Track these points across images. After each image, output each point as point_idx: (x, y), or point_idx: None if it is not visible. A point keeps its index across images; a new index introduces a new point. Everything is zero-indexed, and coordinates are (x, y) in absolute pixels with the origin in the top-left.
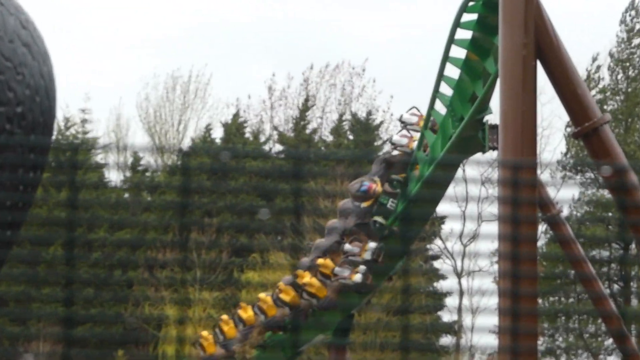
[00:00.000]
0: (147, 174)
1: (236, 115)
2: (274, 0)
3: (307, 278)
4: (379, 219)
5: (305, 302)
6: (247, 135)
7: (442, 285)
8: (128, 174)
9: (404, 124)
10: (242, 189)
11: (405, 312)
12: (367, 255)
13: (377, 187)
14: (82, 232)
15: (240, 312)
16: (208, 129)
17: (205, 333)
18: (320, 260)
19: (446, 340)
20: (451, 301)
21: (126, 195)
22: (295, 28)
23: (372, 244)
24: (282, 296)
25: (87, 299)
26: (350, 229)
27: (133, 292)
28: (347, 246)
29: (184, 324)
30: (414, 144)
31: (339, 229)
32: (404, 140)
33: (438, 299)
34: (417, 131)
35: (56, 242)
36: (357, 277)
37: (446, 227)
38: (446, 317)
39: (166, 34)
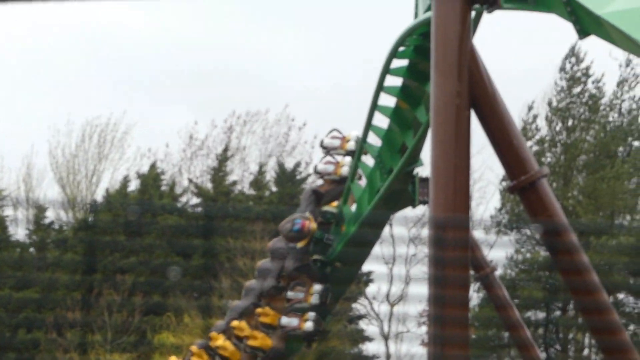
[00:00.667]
0: (55, 228)
1: (153, 166)
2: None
3: (220, 341)
4: (318, 257)
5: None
6: (164, 187)
7: (367, 348)
8: (32, 228)
9: (327, 150)
10: (155, 245)
11: None
12: (314, 300)
13: (311, 223)
14: None
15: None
16: (125, 180)
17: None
18: (235, 323)
19: None
20: None
21: (32, 250)
22: (220, 76)
23: (317, 287)
24: (222, 352)
25: None
26: (290, 273)
27: (39, 355)
28: (290, 293)
29: None
30: (342, 170)
31: (256, 290)
32: (330, 167)
33: None
34: (341, 154)
35: None
36: (308, 326)
37: (373, 287)
38: None
39: (83, 77)
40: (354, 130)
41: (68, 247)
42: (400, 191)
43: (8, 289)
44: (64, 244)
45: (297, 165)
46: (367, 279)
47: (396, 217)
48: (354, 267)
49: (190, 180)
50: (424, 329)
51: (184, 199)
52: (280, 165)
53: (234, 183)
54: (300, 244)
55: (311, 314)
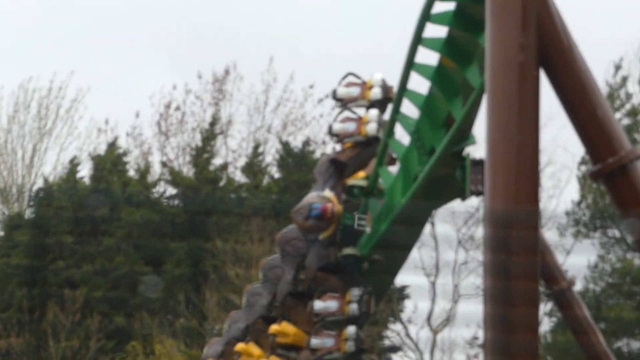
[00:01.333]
0: None
1: (113, 145)
2: None
3: None
4: (349, 250)
5: None
6: (131, 172)
7: None
8: None
9: (343, 102)
10: (117, 249)
11: None
12: (352, 310)
13: (335, 205)
14: None
15: None
16: (73, 163)
17: None
18: (240, 346)
19: None
20: None
21: None
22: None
23: (355, 291)
24: None
25: None
26: (314, 275)
27: None
28: (317, 304)
29: None
30: (368, 127)
31: (264, 297)
32: (350, 126)
33: None
34: (364, 106)
35: None
36: (349, 346)
37: (409, 306)
38: None
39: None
40: (377, 73)
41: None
42: (446, 178)
43: None
44: None
45: (306, 143)
46: (401, 295)
47: (440, 213)
48: (396, 262)
49: (165, 164)
50: None
51: (157, 189)
52: (285, 145)
53: (223, 167)
54: (323, 235)
55: (351, 330)
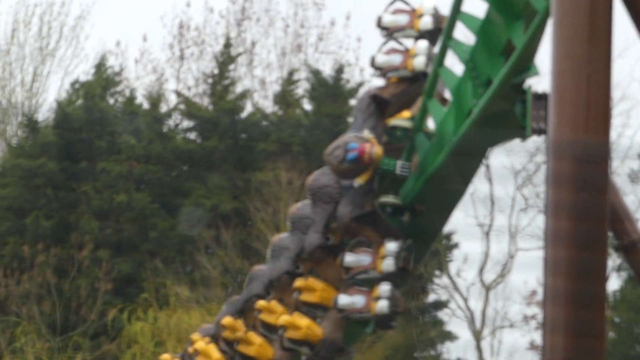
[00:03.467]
0: None
1: (118, 72)
2: None
3: (200, 344)
4: (388, 199)
5: None
6: (140, 100)
7: (449, 349)
8: None
9: (389, 31)
10: (118, 185)
11: None
12: (387, 266)
13: (374, 146)
14: None
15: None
16: (75, 88)
17: (166, 357)
18: (261, 304)
19: None
20: None
21: None
22: None
23: (391, 245)
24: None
25: None
26: (346, 225)
27: None
28: (348, 257)
29: None
30: (415, 61)
31: (291, 250)
32: (397, 59)
33: None
34: (412, 37)
35: None
36: (381, 307)
37: (458, 255)
38: None
39: None
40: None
41: None
42: (504, 114)
43: None
44: None
45: (340, 71)
46: (449, 243)
47: (496, 152)
48: (443, 212)
49: (179, 94)
50: (535, 321)
51: (170, 122)
52: (316, 73)
53: (244, 96)
54: (359, 180)
55: (384, 288)
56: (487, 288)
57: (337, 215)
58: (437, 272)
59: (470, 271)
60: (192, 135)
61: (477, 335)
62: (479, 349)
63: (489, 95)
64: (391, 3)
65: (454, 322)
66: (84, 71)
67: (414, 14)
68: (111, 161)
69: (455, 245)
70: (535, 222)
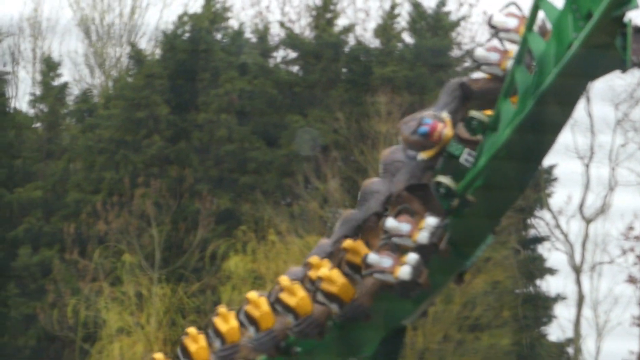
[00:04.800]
0: (73, 94)
1: (225, 5)
2: None
3: (324, 269)
4: (444, 180)
5: (320, 309)
6: (245, 34)
7: (549, 285)
8: (39, 93)
9: (496, 30)
10: (218, 122)
11: (489, 328)
12: (422, 238)
13: (446, 127)
14: None
15: (217, 321)
16: (181, 21)
17: (160, 357)
18: (348, 243)
19: None
20: (564, 311)
21: (37, 126)
22: None
23: (431, 220)
24: (284, 297)
25: None
26: (398, 193)
27: (52, 282)
28: (390, 222)
29: (132, 334)
30: (509, 63)
31: (381, 194)
32: (494, 56)
33: (543, 306)
34: (514, 42)
35: None
36: (404, 272)
37: (558, 192)
38: (555, 335)
39: None
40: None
41: (93, 122)
42: (604, 47)
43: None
44: (88, 116)
45: (441, 3)
46: (550, 178)
47: (596, 87)
48: (529, 163)
49: (283, 25)
50: (633, 254)
51: (273, 55)
52: (416, 6)
53: (347, 29)
54: (423, 155)
55: (412, 257)
56: (587, 222)
57: (393, 180)
58: (537, 207)
59: (571, 205)
60: (295, 68)
61: (577, 270)
62: (578, 283)
63: (589, 28)
64: (506, 5)
65: (554, 256)
66: (181, 2)
67: (523, 20)
68: (213, 95)
69: (556, 179)
70: (635, 156)
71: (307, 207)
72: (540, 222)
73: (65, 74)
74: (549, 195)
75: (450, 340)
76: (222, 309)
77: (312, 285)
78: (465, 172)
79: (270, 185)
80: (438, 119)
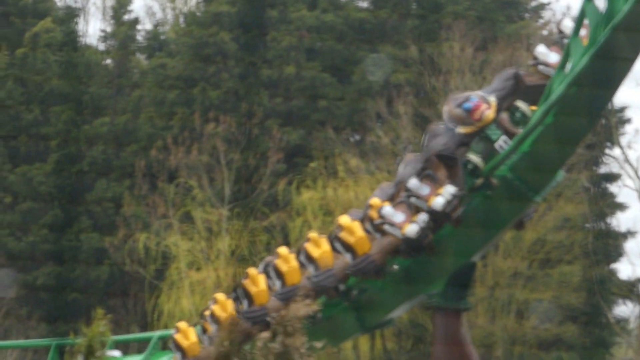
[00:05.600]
0: (144, 29)
1: None
2: None
3: (346, 218)
4: (474, 157)
5: (379, 248)
6: None
7: (619, 221)
8: (110, 28)
9: (562, 35)
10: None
11: (559, 264)
12: (436, 203)
13: (490, 110)
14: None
15: (279, 262)
16: None
17: (221, 297)
18: (374, 200)
19: (624, 309)
20: (634, 246)
21: (107, 63)
22: None
23: (449, 189)
24: (344, 236)
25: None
26: (428, 158)
27: (122, 214)
28: (413, 181)
29: (201, 270)
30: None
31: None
32: (553, 57)
33: (613, 242)
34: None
35: None
36: (411, 230)
37: (629, 128)
38: (625, 272)
39: None
40: None
41: (163, 58)
42: None
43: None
44: (158, 52)
45: None
46: (621, 117)
47: None
48: (569, 137)
49: None
50: None
51: None
52: None
53: None
54: (461, 129)
55: (422, 217)
56: None
57: (427, 145)
58: (608, 144)
59: None
60: (365, 4)
61: None
62: None
63: None
64: (574, 19)
65: (624, 193)
66: None
67: (586, 28)
68: (282, 31)
69: (628, 121)
70: None
71: (378, 143)
72: (611, 159)
73: (136, 10)
74: (620, 134)
75: (521, 276)
76: (281, 250)
77: (372, 226)
78: (495, 156)
79: (340, 122)
80: (484, 100)
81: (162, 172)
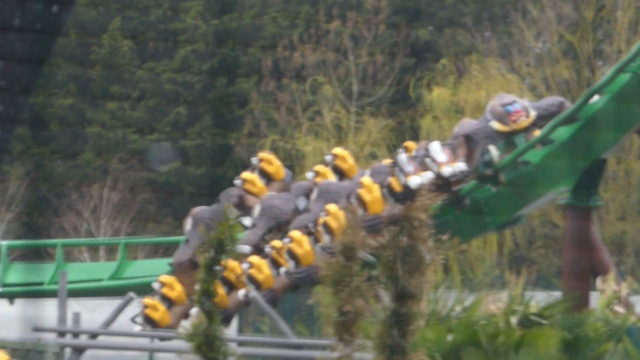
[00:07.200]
0: None
1: None
2: None
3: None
4: (494, 152)
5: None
6: None
7: None
8: None
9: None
10: None
11: None
12: (445, 171)
13: (526, 120)
14: None
15: (362, 192)
16: None
17: (296, 235)
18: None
19: None
20: None
21: None
22: None
23: (462, 165)
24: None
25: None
26: (458, 135)
27: (249, 113)
28: (435, 144)
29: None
30: None
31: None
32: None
33: None
34: None
35: None
36: (413, 181)
37: None
38: None
39: None
40: None
41: None
42: None
43: None
44: None
45: None
46: None
47: None
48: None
49: None
50: None
51: None
52: None
53: None
54: (495, 124)
55: (428, 175)
56: None
57: (461, 126)
58: None
59: None
60: None
61: None
62: None
63: None
64: None
65: None
66: None
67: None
68: None
69: None
70: None
71: (513, 38)
72: None
73: None
74: None
75: None
76: (365, 181)
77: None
78: (512, 160)
79: (471, 18)
80: (525, 111)
81: (289, 70)
